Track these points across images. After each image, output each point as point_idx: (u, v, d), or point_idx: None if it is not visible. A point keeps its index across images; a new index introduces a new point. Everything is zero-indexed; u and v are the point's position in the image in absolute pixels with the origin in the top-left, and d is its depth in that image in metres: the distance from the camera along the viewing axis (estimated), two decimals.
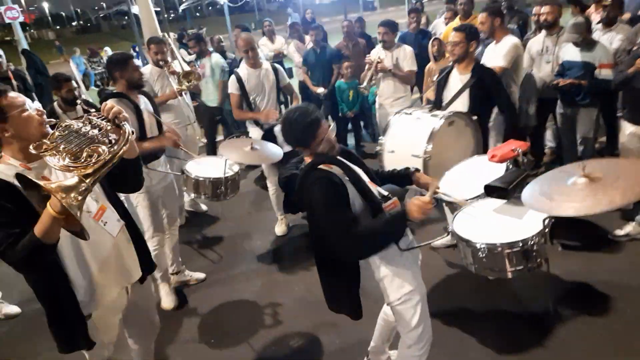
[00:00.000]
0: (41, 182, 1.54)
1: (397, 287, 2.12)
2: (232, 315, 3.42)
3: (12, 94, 1.80)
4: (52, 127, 1.84)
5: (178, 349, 3.14)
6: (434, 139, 3.17)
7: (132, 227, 2.14)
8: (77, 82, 4.24)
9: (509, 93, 4.04)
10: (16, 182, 1.64)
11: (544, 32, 4.43)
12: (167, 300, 3.49)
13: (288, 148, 2.75)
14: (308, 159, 2.12)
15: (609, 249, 3.48)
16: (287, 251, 4.19)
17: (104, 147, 1.70)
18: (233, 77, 4.16)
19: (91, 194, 1.79)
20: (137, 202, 3.26)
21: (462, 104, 3.47)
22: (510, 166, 2.65)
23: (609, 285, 3.09)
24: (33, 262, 1.69)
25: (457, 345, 2.79)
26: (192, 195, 3.50)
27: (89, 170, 1.60)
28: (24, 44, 10.54)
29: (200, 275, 3.85)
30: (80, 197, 1.53)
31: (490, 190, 2.37)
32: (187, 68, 4.70)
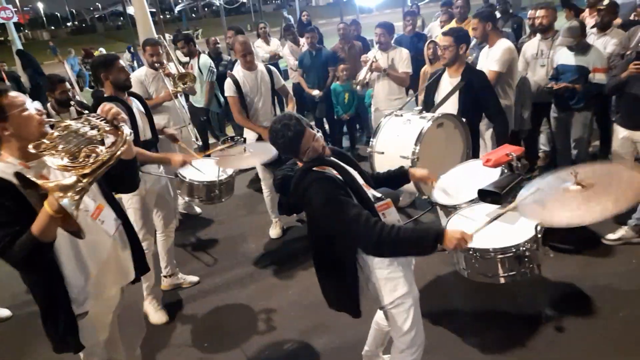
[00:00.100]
0: (39, 181, 1.55)
1: (390, 290, 2.11)
2: (226, 318, 3.40)
3: (13, 94, 1.83)
4: (51, 127, 1.85)
5: (171, 353, 3.12)
6: (422, 140, 3.20)
7: (127, 227, 2.17)
8: (71, 84, 4.21)
9: (504, 97, 4.07)
10: (15, 181, 1.66)
11: (538, 35, 4.45)
12: (156, 316, 3.37)
13: None
14: (301, 164, 2.12)
15: (602, 253, 3.49)
16: (281, 254, 4.17)
17: (102, 147, 1.73)
18: (229, 80, 4.14)
19: (88, 193, 1.80)
20: (130, 204, 3.23)
21: (452, 107, 3.49)
22: (505, 171, 2.65)
23: (602, 288, 3.10)
24: (31, 260, 1.71)
25: (451, 349, 2.79)
26: (186, 198, 3.48)
27: (87, 170, 1.62)
28: (18, 45, 10.47)
29: (194, 279, 3.83)
30: (77, 197, 1.56)
31: (484, 195, 2.37)
32: (182, 70, 4.69)
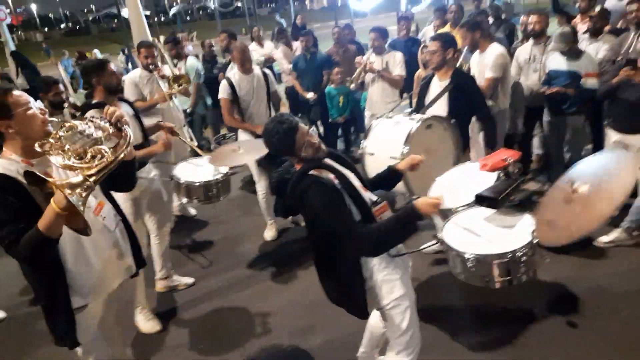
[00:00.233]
0: (49, 179, 1.62)
1: (387, 292, 2.13)
2: (222, 320, 3.40)
3: (17, 92, 1.87)
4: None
5: (166, 355, 3.11)
6: (410, 141, 3.25)
7: (125, 223, 2.25)
8: (65, 85, 4.19)
9: (499, 101, 4.12)
10: (19, 178, 1.74)
11: (531, 41, 4.50)
12: (148, 325, 3.32)
13: None
14: (298, 166, 2.13)
15: (596, 255, 3.53)
16: (277, 256, 4.17)
17: (106, 148, 1.80)
18: (225, 82, 4.15)
19: None
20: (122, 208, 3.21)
21: (442, 110, 3.54)
22: (502, 175, 2.67)
23: (598, 290, 3.14)
24: (36, 256, 1.76)
25: (447, 348, 2.81)
26: (184, 200, 3.48)
27: (93, 171, 1.69)
28: (11, 46, 10.41)
29: (189, 280, 3.82)
30: (84, 194, 1.62)
31: (481, 200, 2.39)
32: (177, 72, 4.69)
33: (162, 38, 6.53)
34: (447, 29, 5.73)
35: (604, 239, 3.60)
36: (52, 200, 1.63)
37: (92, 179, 1.66)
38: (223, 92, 4.14)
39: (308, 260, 3.49)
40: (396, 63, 4.86)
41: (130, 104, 3.36)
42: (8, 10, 11.14)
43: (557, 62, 4.09)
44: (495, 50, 4.04)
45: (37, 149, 1.76)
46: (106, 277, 2.07)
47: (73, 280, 1.96)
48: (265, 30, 7.63)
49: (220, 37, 6.18)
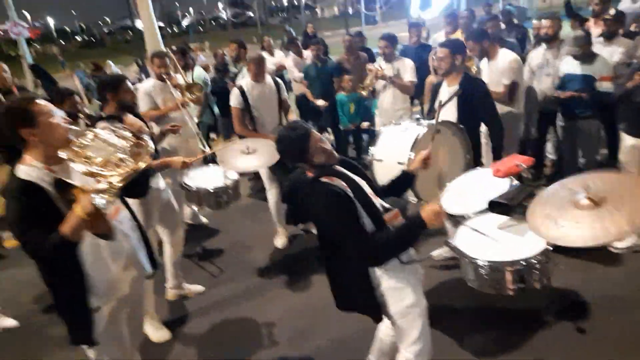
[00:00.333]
0: (79, 185, 1.72)
1: (397, 300, 2.10)
2: (232, 328, 3.39)
3: (41, 101, 1.92)
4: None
5: None
6: (417, 146, 3.24)
7: (140, 228, 2.33)
8: (80, 96, 4.26)
9: (513, 105, 4.08)
10: (42, 184, 1.84)
11: (544, 45, 4.46)
12: (158, 334, 3.32)
13: None
14: (310, 174, 2.12)
15: (610, 261, 3.47)
16: (287, 264, 4.16)
17: (129, 157, 1.89)
18: (236, 90, 4.18)
19: None
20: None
21: (451, 115, 3.52)
22: (514, 181, 2.64)
23: (609, 297, 3.08)
24: (58, 259, 1.84)
25: (454, 353, 2.78)
26: (195, 207, 3.49)
27: (117, 178, 1.77)
28: (28, 59, 10.66)
29: (200, 289, 3.82)
30: (109, 201, 1.72)
31: (494, 206, 2.37)
32: (189, 81, 4.74)
33: (173, 48, 6.65)
34: (458, 35, 5.71)
35: (619, 244, 3.52)
36: (76, 205, 1.70)
37: (115, 187, 1.74)
38: (234, 100, 4.17)
39: (319, 268, 3.47)
40: (406, 69, 4.85)
41: (140, 118, 3.39)
42: (26, 25, 11.39)
43: (570, 66, 4.04)
44: (508, 56, 4.03)
45: (63, 156, 1.83)
46: (121, 279, 2.13)
47: (90, 282, 2.02)
48: (276, 40, 7.69)
49: (230, 47, 6.25)
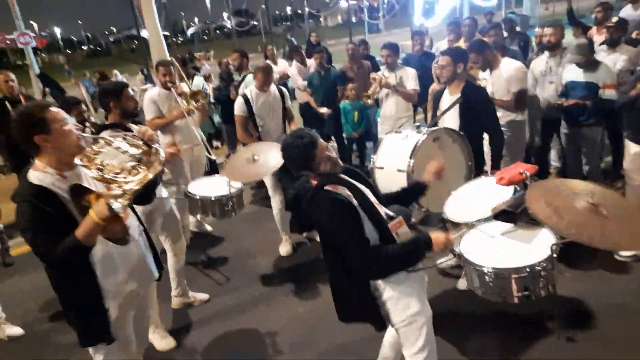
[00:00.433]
0: (96, 190, 1.80)
1: (402, 308, 2.10)
2: (235, 336, 3.38)
3: (55, 109, 1.97)
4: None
5: None
6: (417, 153, 3.26)
7: (146, 232, 2.41)
8: (86, 105, 4.30)
9: (519, 112, 4.10)
10: (54, 189, 1.89)
11: (546, 53, 4.47)
12: (163, 343, 3.32)
13: None
14: (314, 182, 2.13)
15: (617, 269, 3.45)
16: (291, 271, 4.16)
17: (143, 166, 1.97)
18: (240, 99, 4.22)
19: None
20: None
21: (453, 123, 3.53)
22: (518, 189, 2.64)
23: (615, 306, 3.06)
24: (71, 262, 1.88)
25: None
26: (199, 216, 3.49)
27: (131, 185, 1.84)
28: (35, 68, 10.76)
29: (204, 297, 3.82)
30: (125, 203, 1.77)
31: (498, 214, 2.37)
32: (194, 88, 4.77)
33: (179, 57, 6.71)
34: (461, 43, 5.73)
35: (624, 252, 3.51)
36: (91, 211, 1.75)
37: (129, 193, 1.80)
38: (238, 109, 4.21)
39: (323, 275, 3.47)
40: (409, 78, 4.90)
41: (143, 124, 3.42)
42: (33, 35, 11.52)
43: (573, 73, 4.05)
44: (512, 64, 4.05)
45: (78, 162, 1.91)
46: (129, 283, 2.18)
47: (101, 285, 2.07)
48: (279, 49, 7.74)
49: (232, 56, 6.31)
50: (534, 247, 2.20)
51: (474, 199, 2.75)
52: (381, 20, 38.74)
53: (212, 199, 3.44)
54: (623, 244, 1.65)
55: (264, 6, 23.11)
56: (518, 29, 6.89)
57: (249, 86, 5.46)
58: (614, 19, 4.48)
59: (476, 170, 3.50)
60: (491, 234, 2.36)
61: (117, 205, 1.72)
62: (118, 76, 13.78)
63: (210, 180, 3.74)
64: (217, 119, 7.04)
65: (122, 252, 2.12)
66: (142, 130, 2.11)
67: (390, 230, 2.09)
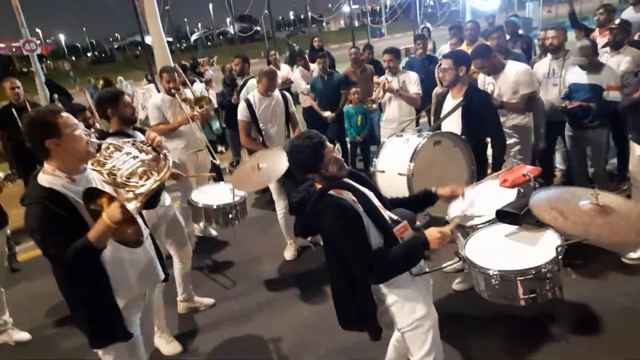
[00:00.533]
0: (112, 192, 1.85)
1: (408, 312, 2.10)
2: (240, 341, 3.38)
3: (66, 114, 2.01)
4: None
5: None
6: (416, 157, 3.25)
7: (151, 235, 2.44)
8: (91, 112, 4.34)
9: (524, 115, 4.10)
10: (65, 191, 1.93)
11: (549, 55, 4.47)
12: (169, 347, 3.32)
13: None
14: (319, 185, 2.14)
15: (623, 273, 3.42)
16: (296, 276, 4.16)
17: (154, 171, 2.02)
18: (243, 103, 4.24)
19: None
20: None
21: (455, 126, 3.53)
22: (522, 191, 2.64)
23: (622, 310, 3.04)
24: (82, 264, 1.92)
25: None
26: (201, 225, 3.49)
27: (143, 189, 1.89)
28: (41, 75, 10.83)
29: (210, 301, 3.83)
30: (139, 205, 1.82)
31: (502, 216, 2.36)
32: (198, 94, 4.81)
33: (184, 63, 6.76)
34: (463, 46, 5.74)
35: (632, 255, 3.48)
36: (103, 214, 1.79)
37: (141, 197, 1.84)
38: (241, 113, 4.23)
39: (329, 280, 3.47)
40: (411, 82, 4.94)
41: (144, 133, 3.43)
42: (38, 42, 11.62)
43: (577, 75, 4.05)
44: (518, 67, 4.05)
45: (90, 167, 1.96)
46: (139, 284, 2.22)
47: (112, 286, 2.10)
48: (281, 54, 7.79)
49: (234, 62, 6.36)
50: (539, 249, 2.20)
51: (478, 201, 2.75)
52: (384, 25, 38.87)
53: (215, 207, 3.44)
54: (629, 242, 1.66)
55: (267, 11, 23.23)
56: (521, 31, 6.90)
57: (250, 91, 5.50)
58: (617, 21, 4.47)
59: (478, 174, 3.49)
60: (496, 236, 2.36)
61: (132, 206, 1.76)
62: (123, 82, 13.84)
63: (214, 188, 3.73)
64: (216, 125, 7.06)
65: (131, 257, 2.16)
66: (152, 137, 2.15)
67: (395, 234, 2.09)
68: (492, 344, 2.94)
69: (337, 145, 5.96)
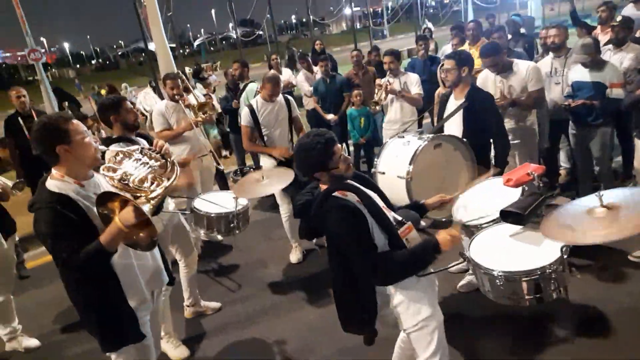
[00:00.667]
0: (127, 195, 1.90)
1: (413, 313, 2.10)
2: (247, 345, 3.39)
3: (76, 121, 2.06)
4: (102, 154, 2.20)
5: None
6: (416, 160, 3.25)
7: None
8: (96, 119, 4.38)
9: (530, 113, 4.10)
10: (75, 196, 1.97)
11: (551, 54, 4.47)
12: (177, 352, 3.33)
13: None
14: (323, 187, 2.14)
15: (628, 272, 3.40)
16: (301, 279, 4.16)
17: (164, 178, 2.09)
18: (246, 109, 4.26)
19: None
20: None
21: (457, 128, 3.51)
22: (526, 189, 2.63)
23: (628, 309, 3.02)
24: (93, 267, 1.95)
25: None
26: (202, 232, 3.49)
27: (154, 194, 1.95)
28: (46, 83, 10.92)
29: (216, 305, 3.85)
30: (152, 207, 1.88)
31: (506, 215, 2.36)
32: (202, 100, 4.84)
33: (187, 69, 6.80)
34: (465, 47, 5.75)
35: (638, 253, 3.46)
36: (116, 218, 1.83)
37: (153, 202, 1.89)
38: (244, 119, 4.26)
39: None
40: (413, 83, 4.97)
41: (148, 138, 3.45)
42: (43, 50, 11.72)
43: (579, 73, 4.03)
44: (526, 64, 4.05)
45: (103, 172, 2.05)
46: (147, 286, 2.26)
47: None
48: (284, 57, 7.83)
49: (233, 67, 6.40)
50: (543, 249, 2.19)
51: (483, 200, 2.75)
52: (386, 26, 38.88)
53: (217, 215, 3.45)
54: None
55: (269, 16, 23.28)
56: (523, 30, 6.88)
57: (249, 95, 5.54)
58: (619, 18, 4.46)
59: (479, 175, 3.47)
60: (500, 237, 2.36)
61: (146, 207, 1.81)
62: (128, 89, 13.92)
63: (217, 196, 3.74)
64: (213, 133, 7.09)
65: (140, 262, 2.20)
66: (160, 144, 2.24)
67: (400, 236, 2.09)
68: (498, 344, 2.93)
69: (344, 145, 5.99)
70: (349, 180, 2.17)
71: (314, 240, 4.52)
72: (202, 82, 9.24)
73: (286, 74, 7.70)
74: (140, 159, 2.14)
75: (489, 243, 2.35)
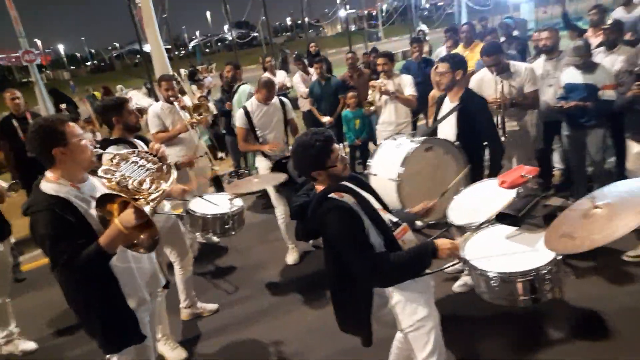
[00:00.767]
0: (125, 196, 1.90)
1: (410, 313, 2.12)
2: (245, 347, 3.40)
3: (72, 123, 2.06)
4: (99, 157, 2.23)
5: None
6: (406, 163, 3.27)
7: None
8: (92, 121, 4.38)
9: (526, 114, 4.14)
10: (72, 199, 1.97)
11: (543, 56, 4.51)
12: (174, 354, 3.34)
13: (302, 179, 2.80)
14: (319, 187, 2.16)
15: (625, 272, 3.43)
16: (298, 280, 4.18)
17: (162, 181, 2.11)
18: (241, 111, 4.28)
19: None
20: None
21: (450, 131, 3.53)
22: (521, 190, 2.66)
23: (626, 308, 3.04)
24: (93, 269, 1.94)
25: None
26: (198, 234, 3.49)
27: (153, 196, 1.96)
28: (41, 85, 10.86)
29: (213, 307, 3.85)
30: (152, 208, 1.89)
31: (502, 217, 2.38)
32: (196, 101, 4.85)
33: (182, 71, 6.80)
34: (459, 49, 5.79)
35: (632, 252, 3.50)
36: (116, 220, 1.84)
37: (153, 202, 1.90)
38: (239, 121, 4.28)
39: None
40: (406, 84, 4.98)
41: (146, 140, 3.45)
42: (38, 52, 11.66)
43: (572, 76, 4.08)
44: (522, 65, 4.11)
45: (101, 174, 2.04)
46: (145, 289, 2.27)
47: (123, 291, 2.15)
48: (279, 59, 7.85)
49: (226, 69, 6.42)
50: (538, 250, 2.22)
51: (477, 202, 2.77)
52: (380, 28, 38.98)
53: (213, 216, 3.46)
54: (633, 220, 1.68)
55: (264, 17, 23.31)
56: (515, 33, 6.95)
57: (242, 97, 5.56)
58: (609, 21, 4.52)
59: (474, 180, 3.48)
60: (495, 238, 2.38)
61: (147, 208, 1.81)
62: (123, 91, 13.88)
63: (212, 198, 3.74)
64: (205, 137, 7.08)
65: (138, 265, 2.21)
66: (156, 147, 2.25)
67: (396, 237, 2.11)
68: (494, 344, 2.96)
69: (340, 146, 6.01)
70: (345, 182, 2.18)
71: (311, 241, 4.53)
72: (197, 84, 9.26)
73: (280, 76, 7.72)
74: (137, 162, 2.15)
75: (485, 244, 2.37)
